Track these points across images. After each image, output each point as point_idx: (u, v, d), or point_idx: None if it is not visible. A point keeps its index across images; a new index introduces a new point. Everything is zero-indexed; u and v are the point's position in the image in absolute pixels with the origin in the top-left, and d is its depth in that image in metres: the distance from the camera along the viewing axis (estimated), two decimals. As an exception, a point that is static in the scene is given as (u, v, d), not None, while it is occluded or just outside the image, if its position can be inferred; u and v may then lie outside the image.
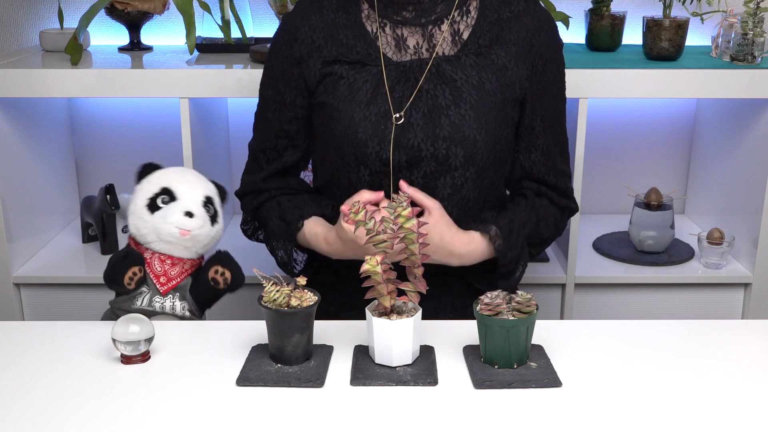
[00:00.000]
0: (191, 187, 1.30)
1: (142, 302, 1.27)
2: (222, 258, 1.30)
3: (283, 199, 1.42)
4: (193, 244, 1.29)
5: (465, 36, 1.34)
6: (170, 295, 1.28)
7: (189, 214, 1.26)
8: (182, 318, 1.30)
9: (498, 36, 1.34)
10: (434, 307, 1.36)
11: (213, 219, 1.30)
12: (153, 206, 1.27)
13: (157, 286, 1.28)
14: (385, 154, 1.30)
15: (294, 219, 1.37)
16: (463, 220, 1.34)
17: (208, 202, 1.31)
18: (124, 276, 1.24)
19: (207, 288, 1.30)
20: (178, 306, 1.29)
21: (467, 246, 1.31)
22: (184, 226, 1.25)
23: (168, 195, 1.27)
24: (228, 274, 1.29)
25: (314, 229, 1.36)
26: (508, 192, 1.46)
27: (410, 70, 1.33)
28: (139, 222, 1.28)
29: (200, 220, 1.27)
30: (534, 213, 1.38)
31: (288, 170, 1.44)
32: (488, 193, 1.37)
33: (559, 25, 1.87)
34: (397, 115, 1.29)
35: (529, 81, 1.35)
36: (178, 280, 1.29)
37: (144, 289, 1.28)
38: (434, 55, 1.33)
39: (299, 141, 1.41)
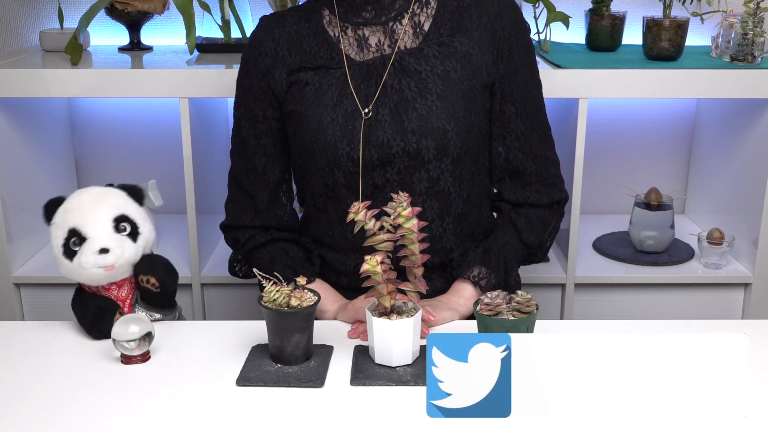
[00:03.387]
0: (95, 215, 1.20)
1: None
2: (144, 265, 1.23)
3: (290, 248, 1.41)
4: (126, 268, 1.22)
5: (426, 27, 1.34)
6: (135, 310, 1.24)
7: (104, 251, 1.18)
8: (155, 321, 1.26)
9: (459, 23, 1.34)
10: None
11: (133, 235, 1.22)
12: (69, 252, 1.20)
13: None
14: (356, 154, 1.29)
15: (307, 274, 1.35)
16: (446, 213, 1.34)
17: (120, 221, 1.21)
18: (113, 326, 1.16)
19: (148, 294, 1.24)
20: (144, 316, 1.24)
21: (461, 298, 1.33)
22: (104, 263, 1.18)
23: (77, 236, 1.19)
24: (154, 280, 1.21)
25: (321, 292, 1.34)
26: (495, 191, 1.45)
27: (373, 68, 1.32)
28: (64, 270, 1.22)
29: (118, 250, 1.19)
30: (512, 226, 1.39)
31: (276, 193, 1.42)
32: (470, 186, 1.36)
33: (559, 25, 1.87)
34: (366, 110, 1.29)
35: (496, 66, 1.34)
36: (130, 297, 1.24)
37: None
38: (396, 49, 1.33)
39: (277, 155, 1.40)
